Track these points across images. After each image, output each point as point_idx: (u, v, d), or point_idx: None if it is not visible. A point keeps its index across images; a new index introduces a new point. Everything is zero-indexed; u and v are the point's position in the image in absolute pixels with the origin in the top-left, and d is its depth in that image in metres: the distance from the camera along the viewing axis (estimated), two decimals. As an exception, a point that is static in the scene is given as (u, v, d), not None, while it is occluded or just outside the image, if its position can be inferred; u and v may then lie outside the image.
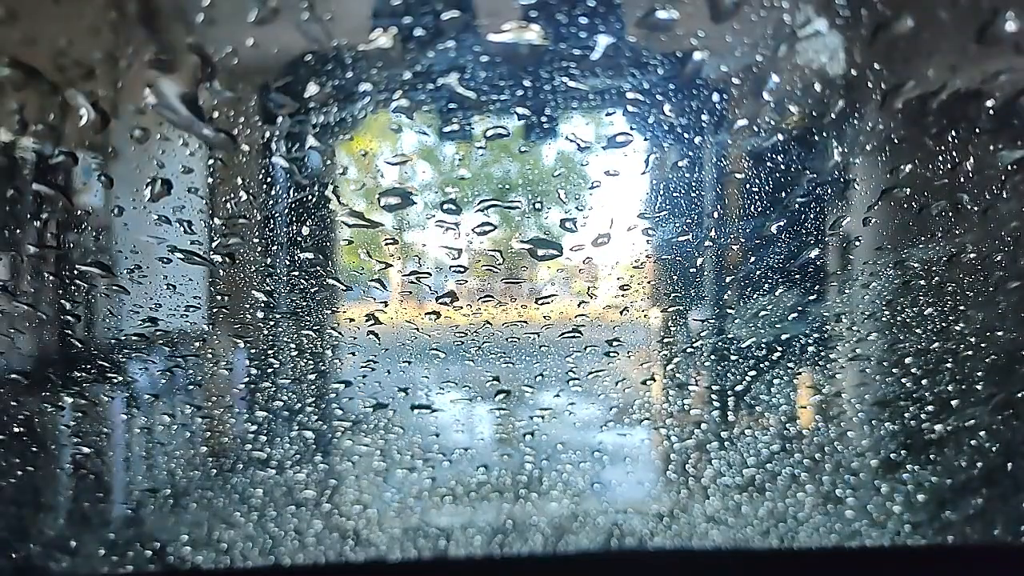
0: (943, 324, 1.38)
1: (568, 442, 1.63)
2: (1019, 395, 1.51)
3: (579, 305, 1.36)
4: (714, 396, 1.56)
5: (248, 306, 1.31)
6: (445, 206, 1.20)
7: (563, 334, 1.40)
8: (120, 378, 1.38)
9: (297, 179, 1.17)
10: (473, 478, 1.65)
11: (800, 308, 1.39)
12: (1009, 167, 1.12)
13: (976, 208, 1.18)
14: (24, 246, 1.14)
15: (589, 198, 1.22)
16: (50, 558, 1.63)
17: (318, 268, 1.28)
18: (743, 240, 1.30)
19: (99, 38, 0.94)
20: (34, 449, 1.44)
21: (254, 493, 1.60)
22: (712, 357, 1.51)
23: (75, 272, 1.19)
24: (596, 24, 0.99)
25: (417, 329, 1.37)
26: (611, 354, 1.44)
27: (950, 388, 1.49)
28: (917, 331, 1.40)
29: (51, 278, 1.20)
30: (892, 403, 1.54)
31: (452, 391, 1.50)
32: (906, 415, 1.55)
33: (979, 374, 1.46)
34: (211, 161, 1.10)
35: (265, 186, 1.16)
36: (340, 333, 1.40)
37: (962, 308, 1.35)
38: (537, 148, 1.17)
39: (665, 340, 1.48)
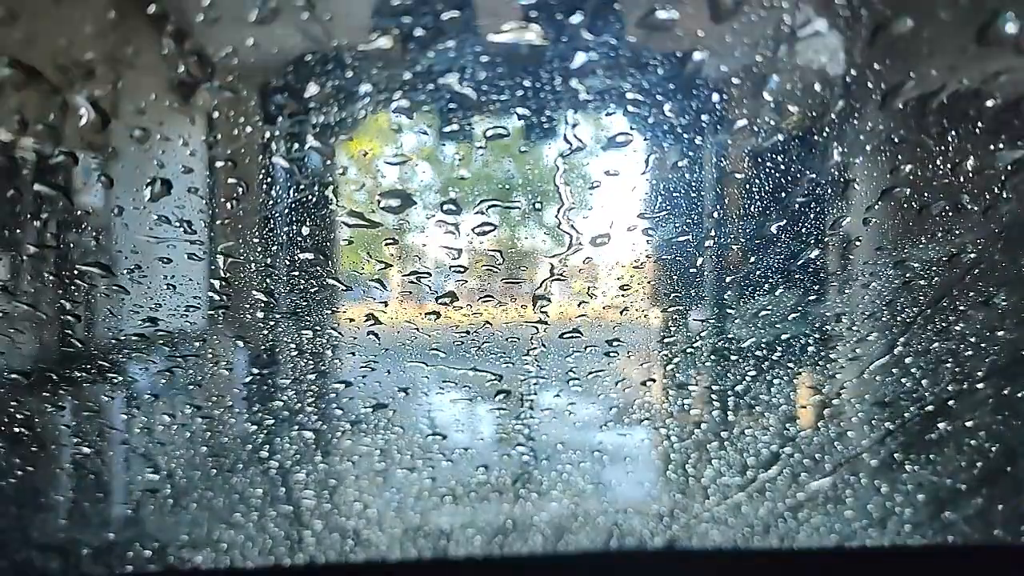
0: (943, 324, 1.38)
1: (568, 442, 1.63)
2: (1019, 395, 1.51)
3: (579, 305, 1.36)
4: (714, 396, 1.56)
5: (248, 306, 1.31)
6: (445, 206, 1.20)
7: (563, 334, 1.40)
8: (120, 378, 1.38)
9: (297, 179, 1.17)
10: (473, 478, 1.65)
11: (800, 308, 1.39)
12: (1009, 167, 1.12)
13: (976, 208, 1.18)
14: (24, 246, 1.14)
15: (589, 198, 1.22)
16: (50, 558, 1.63)
17: (318, 268, 1.28)
18: (743, 240, 1.30)
19: (99, 38, 0.94)
20: (34, 449, 1.44)
21: (254, 493, 1.60)
22: (712, 357, 1.51)
23: (75, 272, 1.19)
24: (596, 24, 0.99)
25: (417, 329, 1.37)
26: (611, 354, 1.44)
27: (950, 388, 1.49)
28: (917, 331, 1.40)
29: (51, 278, 1.20)
30: (892, 403, 1.54)
31: (452, 391, 1.50)
32: (906, 415, 1.55)
33: (979, 374, 1.46)
34: (211, 161, 1.10)
35: (265, 186, 1.16)
36: (340, 333, 1.40)
37: (962, 308, 1.35)
38: (537, 148, 1.17)
39: (665, 340, 1.48)
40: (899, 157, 1.14)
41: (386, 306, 1.34)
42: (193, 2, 0.90)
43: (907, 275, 1.30)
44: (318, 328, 1.39)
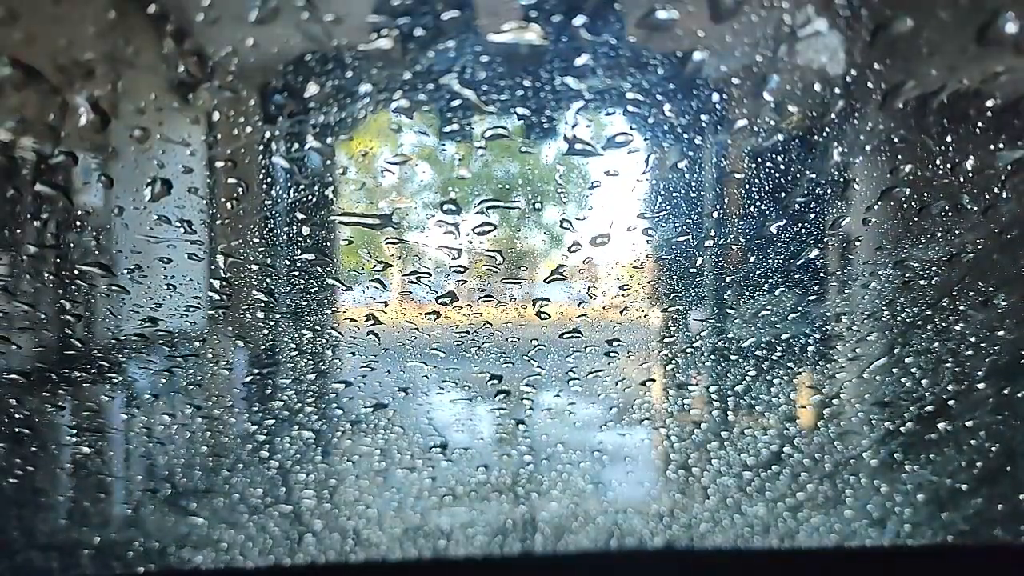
0: (943, 324, 1.38)
1: (568, 442, 1.63)
2: (1019, 395, 1.51)
3: (579, 305, 1.36)
4: (714, 396, 1.56)
5: (248, 306, 1.31)
6: (445, 206, 1.20)
7: (563, 334, 1.40)
8: (120, 378, 1.38)
9: (297, 179, 1.17)
10: (473, 478, 1.65)
11: (800, 308, 1.39)
12: (1009, 167, 1.12)
13: (976, 208, 1.18)
14: (24, 246, 1.14)
15: (589, 198, 1.22)
16: (50, 558, 1.63)
17: (318, 268, 1.28)
18: (743, 240, 1.30)
19: (99, 38, 0.94)
20: (34, 449, 1.44)
21: (254, 493, 1.60)
22: (712, 357, 1.51)
23: (75, 272, 1.19)
24: (596, 24, 0.99)
25: (417, 329, 1.37)
26: (611, 354, 1.44)
27: (950, 388, 1.49)
28: (917, 331, 1.40)
29: (51, 278, 1.20)
30: (892, 403, 1.54)
31: (452, 391, 1.50)
32: (906, 415, 1.55)
33: (979, 374, 1.46)
34: (211, 161, 1.10)
35: (265, 186, 1.16)
36: (340, 333, 1.40)
37: (962, 308, 1.35)
38: (537, 148, 1.17)
39: (665, 340, 1.48)
40: (899, 157, 1.14)
41: (386, 306, 1.34)
42: (193, 2, 0.90)
43: (907, 275, 1.30)
44: (318, 328, 1.39)
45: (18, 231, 1.13)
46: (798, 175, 1.20)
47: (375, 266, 1.28)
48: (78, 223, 1.14)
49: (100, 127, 1.01)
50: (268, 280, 1.29)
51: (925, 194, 1.18)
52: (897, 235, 1.24)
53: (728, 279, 1.36)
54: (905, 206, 1.20)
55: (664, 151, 1.19)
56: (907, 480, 1.65)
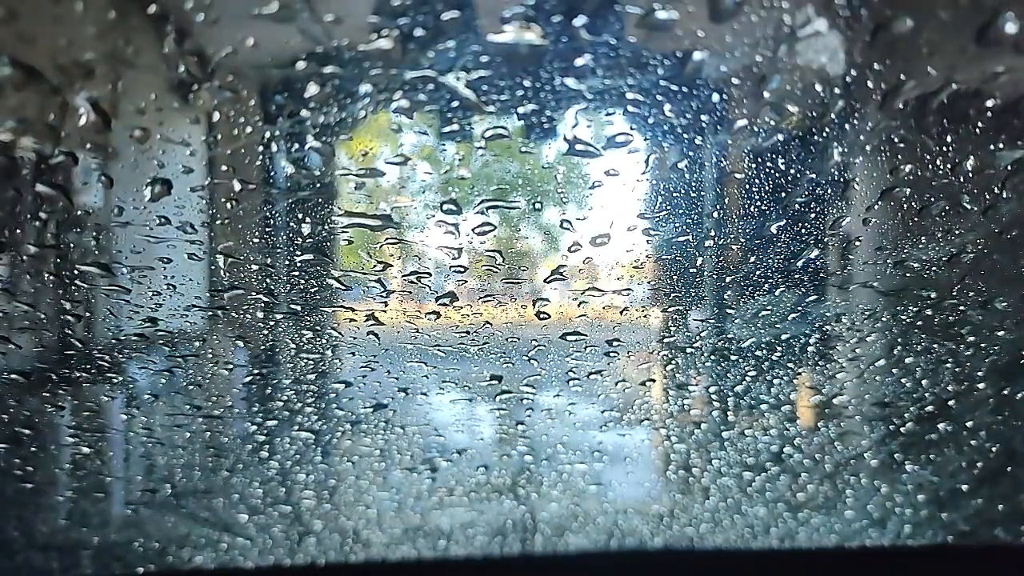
0: (943, 324, 1.38)
1: (568, 442, 1.63)
2: (1019, 395, 1.51)
3: (579, 305, 1.36)
4: (714, 396, 1.56)
5: (248, 306, 1.31)
6: (445, 206, 1.20)
7: (563, 334, 1.40)
8: (120, 378, 1.38)
9: (297, 179, 1.17)
10: (473, 478, 1.65)
11: (800, 308, 1.39)
12: (1009, 167, 1.12)
13: (976, 208, 1.18)
14: (24, 246, 1.14)
15: (589, 198, 1.22)
16: (50, 558, 1.63)
17: (318, 268, 1.28)
18: (743, 240, 1.30)
19: (99, 38, 0.94)
20: (34, 449, 1.44)
21: (254, 493, 1.60)
22: (712, 357, 1.51)
23: (75, 272, 1.19)
24: (596, 24, 0.99)
25: (417, 329, 1.37)
26: (611, 354, 1.44)
27: (950, 388, 1.49)
28: (917, 331, 1.40)
29: (51, 278, 1.20)
30: (892, 403, 1.54)
31: (452, 391, 1.50)
32: (906, 415, 1.55)
33: (979, 374, 1.46)
34: (211, 161, 1.10)
35: (265, 186, 1.16)
36: (340, 333, 1.40)
37: (962, 308, 1.35)
38: (537, 148, 1.17)
39: (665, 340, 1.48)
40: (899, 157, 1.14)
41: (386, 306, 1.34)
42: (193, 2, 0.90)
43: (907, 275, 1.30)
44: (318, 328, 1.39)
45: (18, 231, 1.13)
46: (798, 175, 1.20)
47: (375, 266, 1.28)
48: (78, 223, 1.14)
49: (100, 127, 1.01)
50: (268, 280, 1.29)
51: (925, 194, 1.18)
52: (897, 235, 1.24)
53: (728, 279, 1.36)
54: (905, 206, 1.20)
55: (664, 151, 1.19)
56: (907, 480, 1.65)
